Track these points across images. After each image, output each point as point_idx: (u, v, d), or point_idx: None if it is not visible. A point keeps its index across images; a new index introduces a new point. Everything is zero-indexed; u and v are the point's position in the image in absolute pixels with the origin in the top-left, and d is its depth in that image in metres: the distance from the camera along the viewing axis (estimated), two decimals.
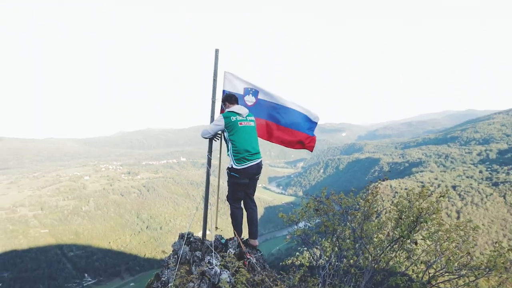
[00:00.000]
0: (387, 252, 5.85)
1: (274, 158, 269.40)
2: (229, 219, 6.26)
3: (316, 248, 7.08)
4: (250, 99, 6.36)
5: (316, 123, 6.52)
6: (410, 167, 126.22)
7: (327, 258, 6.39)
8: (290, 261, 65.05)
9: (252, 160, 5.60)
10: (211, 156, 6.31)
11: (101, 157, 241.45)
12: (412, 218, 5.52)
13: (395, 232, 5.77)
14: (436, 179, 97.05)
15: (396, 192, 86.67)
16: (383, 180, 6.88)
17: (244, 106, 6.18)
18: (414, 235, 5.54)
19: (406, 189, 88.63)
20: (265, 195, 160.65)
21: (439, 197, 5.69)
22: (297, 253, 69.30)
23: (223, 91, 6.29)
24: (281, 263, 66.15)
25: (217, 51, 6.02)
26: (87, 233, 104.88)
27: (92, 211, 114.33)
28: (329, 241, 6.80)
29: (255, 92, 6.31)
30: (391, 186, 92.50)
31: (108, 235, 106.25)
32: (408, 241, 5.60)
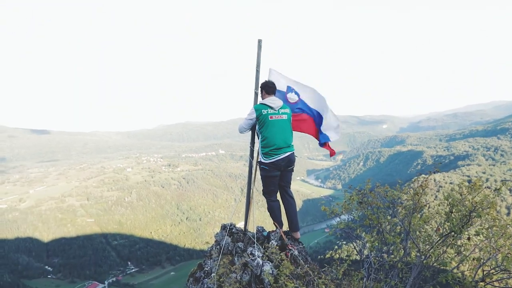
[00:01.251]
0: (436, 247, 5.57)
1: (312, 151, 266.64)
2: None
3: (359, 241, 6.83)
4: (292, 97, 6.16)
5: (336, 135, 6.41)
6: (456, 160, 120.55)
7: (371, 252, 6.22)
8: (328, 255, 64.13)
9: (280, 154, 5.49)
10: (253, 147, 6.16)
11: (143, 150, 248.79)
12: (464, 212, 5.22)
13: (445, 226, 5.54)
14: (484, 173, 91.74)
15: (441, 186, 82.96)
16: (434, 173, 6.56)
17: (285, 101, 5.98)
18: (467, 230, 5.26)
19: (451, 183, 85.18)
20: (304, 188, 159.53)
21: (495, 190, 5.26)
22: (336, 247, 68.00)
23: None
24: (319, 257, 65.35)
25: (260, 41, 5.76)
26: (129, 223, 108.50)
27: (134, 202, 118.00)
28: (373, 234, 6.55)
29: (297, 92, 6.13)
30: (434, 180, 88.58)
31: (150, 225, 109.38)
32: (460, 236, 5.33)
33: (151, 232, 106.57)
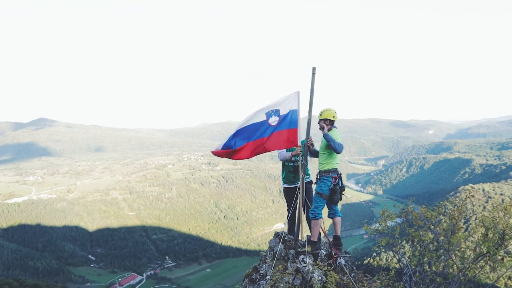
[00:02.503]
0: (473, 265, 6.03)
1: (353, 155, 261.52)
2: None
3: (398, 249, 7.35)
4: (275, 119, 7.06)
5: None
6: (508, 170, 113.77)
7: (410, 262, 6.89)
8: (366, 261, 62.42)
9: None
10: (307, 163, 7.00)
11: (184, 147, 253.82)
12: (498, 234, 5.73)
13: (482, 247, 5.93)
14: None
15: (490, 197, 78.63)
16: (472, 196, 7.58)
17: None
18: (501, 251, 5.71)
19: (502, 194, 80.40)
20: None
21: None
22: (375, 254, 65.92)
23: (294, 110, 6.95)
24: (357, 262, 63.68)
25: (314, 69, 6.28)
26: (169, 218, 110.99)
27: (174, 198, 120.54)
28: (413, 250, 7.29)
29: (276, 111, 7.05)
30: (483, 190, 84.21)
31: (188, 222, 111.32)
32: (495, 256, 5.75)
33: (189, 228, 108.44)
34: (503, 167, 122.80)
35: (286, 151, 7.27)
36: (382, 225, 7.40)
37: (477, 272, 5.92)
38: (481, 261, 6.00)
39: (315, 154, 6.92)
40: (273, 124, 6.99)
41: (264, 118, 7.05)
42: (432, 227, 6.94)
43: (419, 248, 7.00)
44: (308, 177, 7.15)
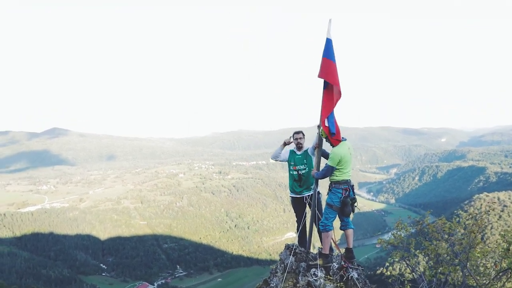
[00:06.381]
0: (493, 282, 5.82)
1: (365, 163, 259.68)
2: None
3: (412, 259, 7.19)
4: None
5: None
6: None
7: (425, 273, 6.70)
8: (379, 271, 61.60)
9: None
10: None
11: (195, 156, 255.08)
12: None
13: (504, 262, 5.70)
14: None
15: (505, 206, 76.96)
16: (492, 209, 7.44)
17: None
18: None
19: None
20: None
21: None
22: (388, 264, 64.94)
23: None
24: (369, 272, 62.84)
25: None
26: (180, 227, 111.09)
27: (185, 207, 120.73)
28: (428, 260, 7.07)
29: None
30: (499, 199, 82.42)
31: (199, 231, 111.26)
32: None
33: (200, 238, 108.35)
34: None
35: (290, 153, 7.02)
36: (396, 239, 7.21)
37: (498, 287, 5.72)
38: (502, 278, 5.78)
39: (326, 156, 6.42)
40: None
41: None
42: (447, 237, 6.79)
43: (433, 259, 6.80)
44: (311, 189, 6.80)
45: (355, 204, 6.31)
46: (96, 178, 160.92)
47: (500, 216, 71.53)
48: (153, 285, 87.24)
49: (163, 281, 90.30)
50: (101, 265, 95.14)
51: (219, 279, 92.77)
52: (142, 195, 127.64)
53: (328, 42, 5.78)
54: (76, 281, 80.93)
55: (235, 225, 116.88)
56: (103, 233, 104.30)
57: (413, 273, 7.07)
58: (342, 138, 6.00)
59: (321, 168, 6.33)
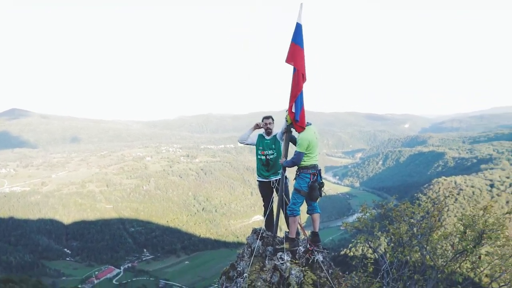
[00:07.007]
0: (451, 263, 6.13)
1: (331, 148, 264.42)
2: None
3: (372, 240, 7.48)
4: None
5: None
6: (478, 164, 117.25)
7: (388, 257, 6.86)
8: (343, 252, 63.73)
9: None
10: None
11: (163, 139, 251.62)
12: (476, 233, 5.87)
13: (460, 245, 6.08)
14: (508, 177, 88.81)
15: (461, 189, 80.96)
16: (451, 194, 7.91)
17: None
18: (479, 249, 5.84)
19: (472, 186, 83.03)
20: None
21: (505, 214, 6.01)
22: (351, 245, 67.42)
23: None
24: (334, 253, 64.88)
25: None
26: (147, 211, 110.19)
27: (152, 191, 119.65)
28: (388, 241, 7.27)
29: None
30: (455, 183, 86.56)
31: (166, 214, 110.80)
32: (472, 254, 5.92)
33: (167, 221, 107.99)
34: (474, 161, 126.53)
35: (260, 137, 6.97)
36: (361, 223, 7.33)
37: (454, 269, 5.95)
38: (459, 259, 6.02)
39: (294, 141, 6.32)
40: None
41: None
42: (409, 220, 6.92)
43: (395, 241, 6.89)
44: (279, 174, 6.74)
45: (323, 189, 6.33)
46: (59, 161, 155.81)
47: (456, 199, 75.27)
48: (119, 269, 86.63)
49: (129, 264, 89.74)
50: (65, 249, 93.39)
51: (186, 262, 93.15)
52: (107, 178, 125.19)
53: (298, 27, 5.69)
54: (38, 266, 79.29)
55: (203, 208, 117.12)
56: (67, 218, 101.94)
57: (375, 254, 7.26)
58: (307, 123, 6.01)
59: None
